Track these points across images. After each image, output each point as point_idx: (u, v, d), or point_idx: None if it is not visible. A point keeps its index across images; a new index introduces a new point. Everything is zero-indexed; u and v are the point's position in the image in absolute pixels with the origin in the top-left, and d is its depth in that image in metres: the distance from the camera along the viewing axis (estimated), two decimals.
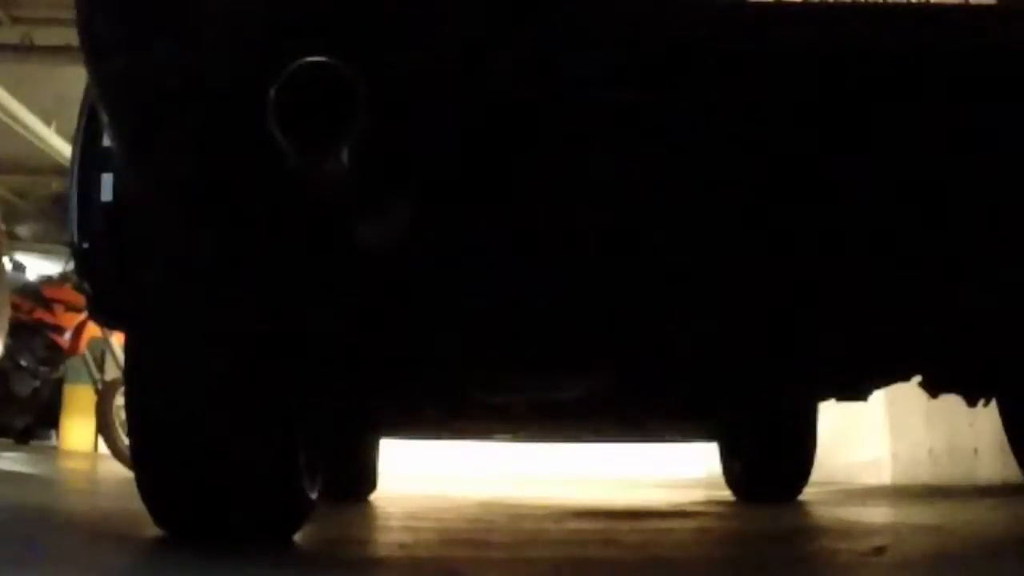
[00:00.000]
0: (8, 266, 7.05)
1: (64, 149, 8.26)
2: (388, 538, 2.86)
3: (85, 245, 2.01)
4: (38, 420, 8.22)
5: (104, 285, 2.00)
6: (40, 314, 7.29)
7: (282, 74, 1.27)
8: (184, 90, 1.37)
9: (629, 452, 6.59)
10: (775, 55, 1.33)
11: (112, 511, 3.22)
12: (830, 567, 2.12)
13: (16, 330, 6.85)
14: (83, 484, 5.30)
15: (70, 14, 1.48)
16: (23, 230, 9.49)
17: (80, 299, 6.66)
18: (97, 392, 6.70)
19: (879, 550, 2.23)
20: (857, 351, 2.23)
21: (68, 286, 7.15)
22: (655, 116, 1.38)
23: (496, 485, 5.72)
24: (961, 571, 1.97)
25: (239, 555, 1.94)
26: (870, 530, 3.12)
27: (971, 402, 2.66)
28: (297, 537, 2.23)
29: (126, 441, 4.54)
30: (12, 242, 7.98)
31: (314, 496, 2.27)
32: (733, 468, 4.66)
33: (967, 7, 1.30)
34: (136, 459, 2.11)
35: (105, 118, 1.63)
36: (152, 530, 2.13)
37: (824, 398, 3.44)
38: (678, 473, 7.06)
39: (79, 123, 2.10)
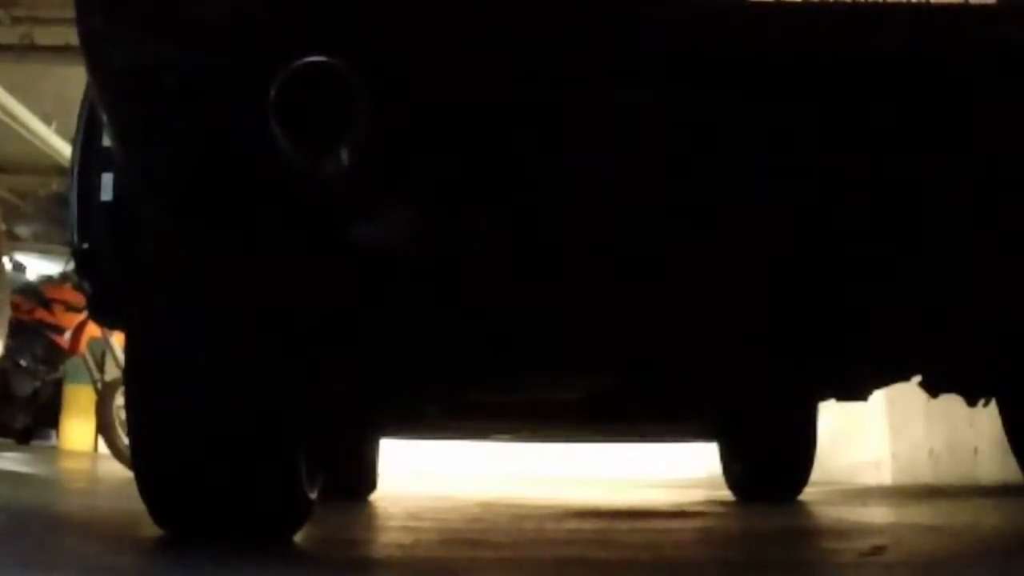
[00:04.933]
0: (8, 266, 7.05)
1: (64, 149, 8.27)
2: (388, 538, 2.85)
3: (85, 245, 2.01)
4: (38, 420, 8.22)
5: (104, 285, 2.00)
6: (40, 314, 7.30)
7: (282, 74, 1.27)
8: (184, 89, 1.38)
9: (629, 452, 6.59)
10: (775, 55, 1.33)
11: (112, 511, 3.22)
12: (830, 567, 2.12)
13: (16, 330, 6.85)
14: (83, 484, 5.30)
15: (70, 14, 1.48)
16: (23, 230, 9.49)
17: (80, 299, 6.66)
18: (97, 392, 6.70)
19: (879, 550, 2.23)
20: (857, 351, 2.23)
21: (68, 286, 7.16)
22: (656, 116, 1.38)
23: (496, 485, 5.72)
24: (961, 571, 1.97)
25: (239, 555, 1.94)
26: (870, 530, 3.12)
27: (971, 402, 2.66)
28: (297, 537, 2.23)
29: (126, 441, 4.54)
30: (12, 242, 7.98)
31: (314, 496, 2.26)
32: (733, 468, 4.66)
33: (967, 7, 1.30)
34: (136, 459, 2.11)
35: (104, 118, 1.63)
36: (152, 530, 2.13)
37: (824, 398, 3.44)
38: (678, 473, 7.06)
39: (79, 123, 2.10)
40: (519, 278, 1.73)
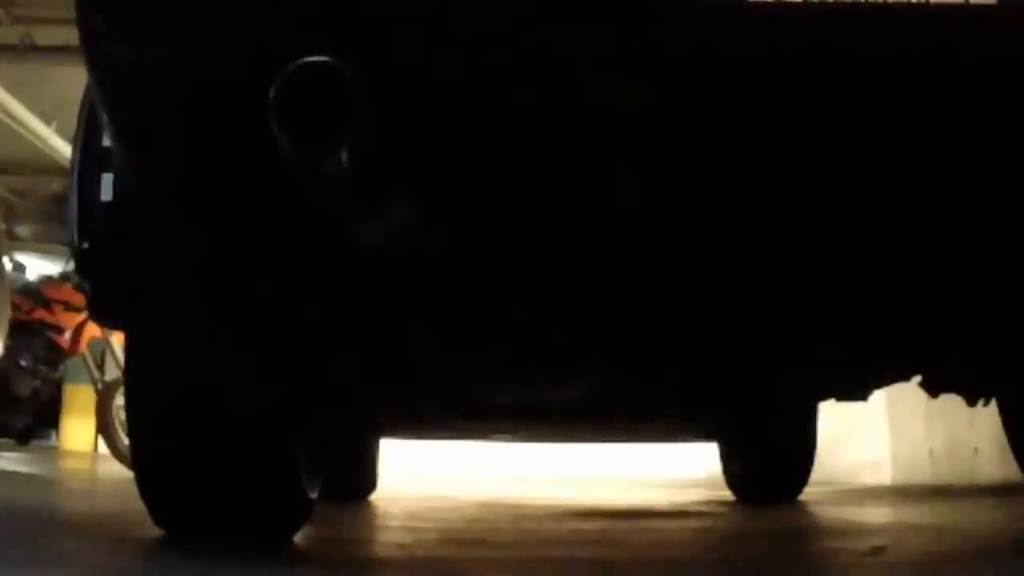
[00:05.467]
0: (8, 266, 7.05)
1: (64, 149, 8.27)
2: (388, 538, 2.86)
3: (85, 245, 2.01)
4: (38, 420, 8.20)
5: (104, 285, 2.00)
6: (40, 314, 7.29)
7: (282, 74, 1.27)
8: (184, 89, 1.38)
9: (629, 452, 6.59)
10: (774, 55, 1.33)
11: (112, 511, 3.22)
12: (830, 567, 2.12)
13: (16, 330, 6.84)
14: (83, 484, 5.30)
15: (70, 14, 1.48)
16: (23, 230, 9.49)
17: (80, 299, 6.66)
18: (97, 392, 6.70)
19: (879, 550, 2.24)
20: (857, 351, 2.23)
21: (68, 286, 7.15)
22: (655, 115, 1.38)
23: (496, 485, 5.72)
24: (961, 571, 1.97)
25: (239, 555, 1.94)
26: (870, 530, 3.12)
27: (971, 402, 2.66)
28: (297, 537, 2.23)
29: (126, 441, 4.54)
30: (12, 242, 7.98)
31: (314, 496, 2.27)
32: (733, 468, 4.66)
33: (967, 7, 1.31)
34: (136, 459, 2.11)
35: (104, 118, 1.63)
36: (152, 530, 2.13)
37: (824, 398, 3.44)
38: (678, 473, 7.06)
39: (79, 123, 2.10)
40: (520, 278, 1.73)
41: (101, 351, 7.13)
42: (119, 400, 6.25)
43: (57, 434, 9.03)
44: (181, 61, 1.36)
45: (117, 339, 6.28)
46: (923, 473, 6.02)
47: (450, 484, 5.66)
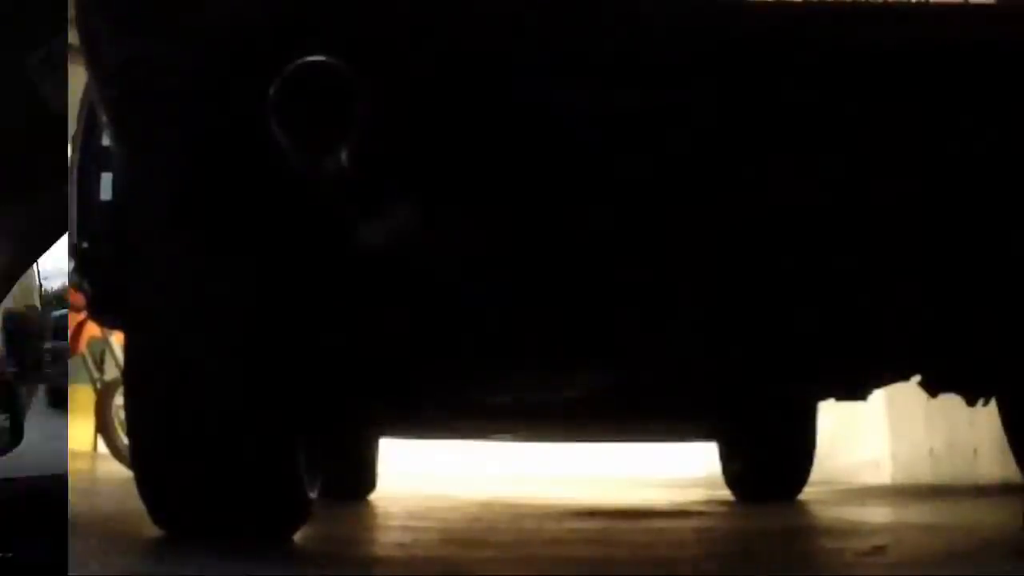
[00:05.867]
0: None
1: None
2: (388, 538, 2.86)
3: (85, 245, 2.01)
4: None
5: (104, 285, 2.00)
6: None
7: (282, 74, 1.27)
8: (183, 90, 1.38)
9: (629, 452, 6.59)
10: (774, 54, 1.33)
11: (112, 511, 3.22)
12: (830, 567, 2.12)
13: None
14: (83, 484, 5.30)
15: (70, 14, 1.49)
16: None
17: (80, 299, 6.66)
18: (97, 392, 6.70)
19: (879, 550, 2.23)
20: (857, 351, 2.23)
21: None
22: (654, 115, 1.38)
23: (496, 485, 5.71)
24: (961, 571, 1.97)
25: (239, 555, 1.94)
26: (870, 530, 3.12)
27: (971, 402, 2.66)
28: (297, 537, 2.23)
29: (126, 441, 4.54)
30: None
31: (314, 496, 2.27)
32: (733, 468, 4.66)
33: (967, 7, 1.31)
34: (136, 459, 2.11)
35: (104, 117, 1.63)
36: (152, 530, 2.13)
37: (824, 398, 3.44)
38: (678, 473, 7.06)
39: (79, 123, 2.10)
40: (520, 278, 1.73)
41: (101, 351, 7.12)
42: (119, 400, 6.25)
43: None
44: (181, 61, 1.36)
45: (117, 339, 6.27)
46: (923, 473, 6.02)
47: (450, 484, 5.66)
